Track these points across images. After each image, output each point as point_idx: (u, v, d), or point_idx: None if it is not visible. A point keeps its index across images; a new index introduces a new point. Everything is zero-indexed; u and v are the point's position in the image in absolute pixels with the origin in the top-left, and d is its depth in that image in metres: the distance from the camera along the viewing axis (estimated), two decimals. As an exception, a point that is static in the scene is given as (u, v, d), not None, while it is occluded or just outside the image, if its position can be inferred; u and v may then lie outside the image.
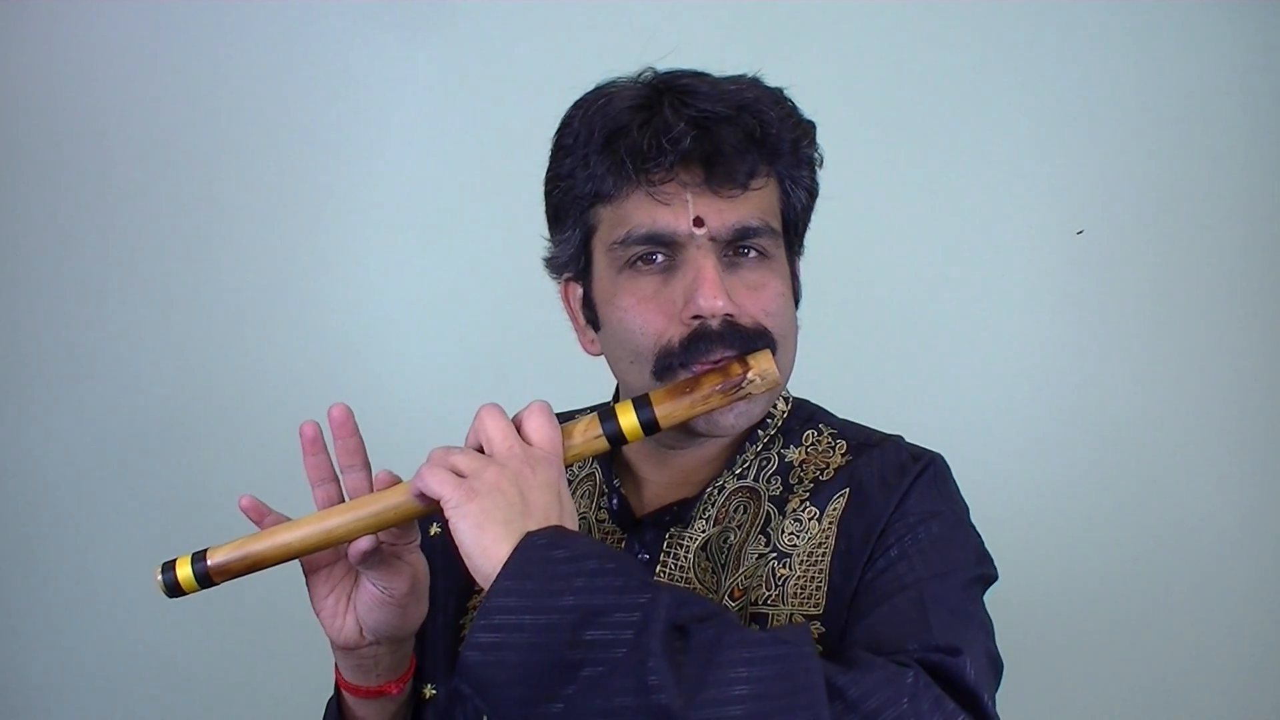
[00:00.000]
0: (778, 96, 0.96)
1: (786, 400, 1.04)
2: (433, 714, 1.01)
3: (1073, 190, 2.05)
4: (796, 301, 1.01)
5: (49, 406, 2.18)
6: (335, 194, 2.15)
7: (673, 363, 0.92)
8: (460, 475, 0.80)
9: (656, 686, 0.71)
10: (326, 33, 2.13)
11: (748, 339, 0.91)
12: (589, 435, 0.88)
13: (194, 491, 2.09)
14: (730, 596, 0.94)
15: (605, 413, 0.88)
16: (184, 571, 0.86)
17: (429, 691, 1.01)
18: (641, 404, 0.88)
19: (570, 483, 1.06)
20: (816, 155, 0.99)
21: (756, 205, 0.94)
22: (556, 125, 0.99)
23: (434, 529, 1.07)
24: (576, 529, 0.83)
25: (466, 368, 2.09)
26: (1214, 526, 2.02)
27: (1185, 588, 2.02)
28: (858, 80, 2.03)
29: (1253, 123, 2.01)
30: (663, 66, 0.98)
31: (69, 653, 2.18)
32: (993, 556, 0.97)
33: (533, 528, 0.78)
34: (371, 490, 0.91)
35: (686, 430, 0.94)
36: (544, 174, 1.00)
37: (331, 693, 1.04)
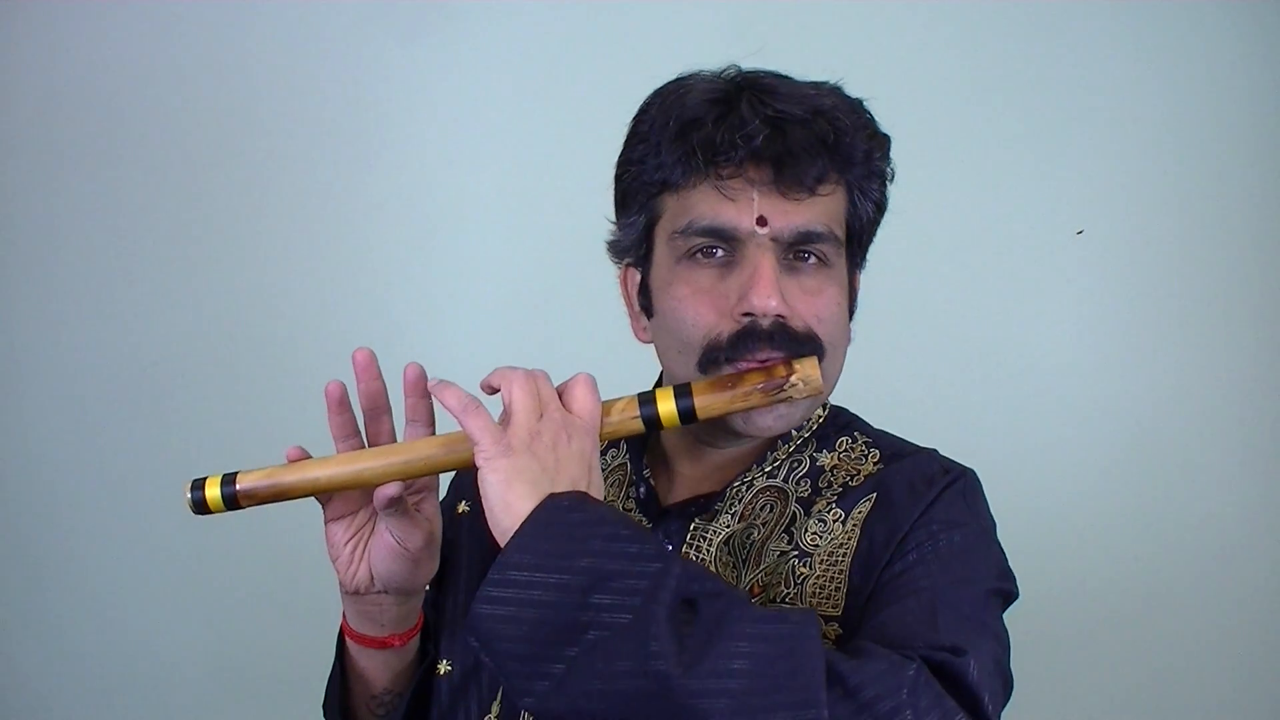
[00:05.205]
0: (856, 106, 0.97)
1: (825, 406, 1.04)
2: (447, 689, 1.01)
3: (1084, 192, 2.03)
4: (851, 313, 1.01)
5: (51, 402, 2.17)
6: (373, 183, 2.15)
7: (719, 357, 0.92)
8: (505, 410, 0.82)
9: (656, 654, 0.72)
10: (342, 27, 2.15)
11: (797, 342, 0.92)
12: (626, 415, 0.89)
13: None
14: (749, 593, 0.94)
15: (645, 396, 0.89)
16: (213, 492, 0.89)
17: (444, 667, 1.02)
18: (682, 393, 0.89)
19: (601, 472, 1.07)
20: (889, 170, 0.99)
21: (822, 211, 0.94)
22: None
23: (462, 507, 1.08)
24: (602, 500, 0.84)
25: (506, 352, 2.09)
26: (1235, 528, 2.01)
27: (1211, 590, 2.01)
28: (868, 85, 2.02)
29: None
30: (747, 65, 0.98)
31: (67, 650, 2.17)
32: (1018, 567, 0.96)
33: (559, 491, 0.79)
34: (394, 435, 0.93)
35: (725, 427, 0.95)
36: (616, 157, 1.01)
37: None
